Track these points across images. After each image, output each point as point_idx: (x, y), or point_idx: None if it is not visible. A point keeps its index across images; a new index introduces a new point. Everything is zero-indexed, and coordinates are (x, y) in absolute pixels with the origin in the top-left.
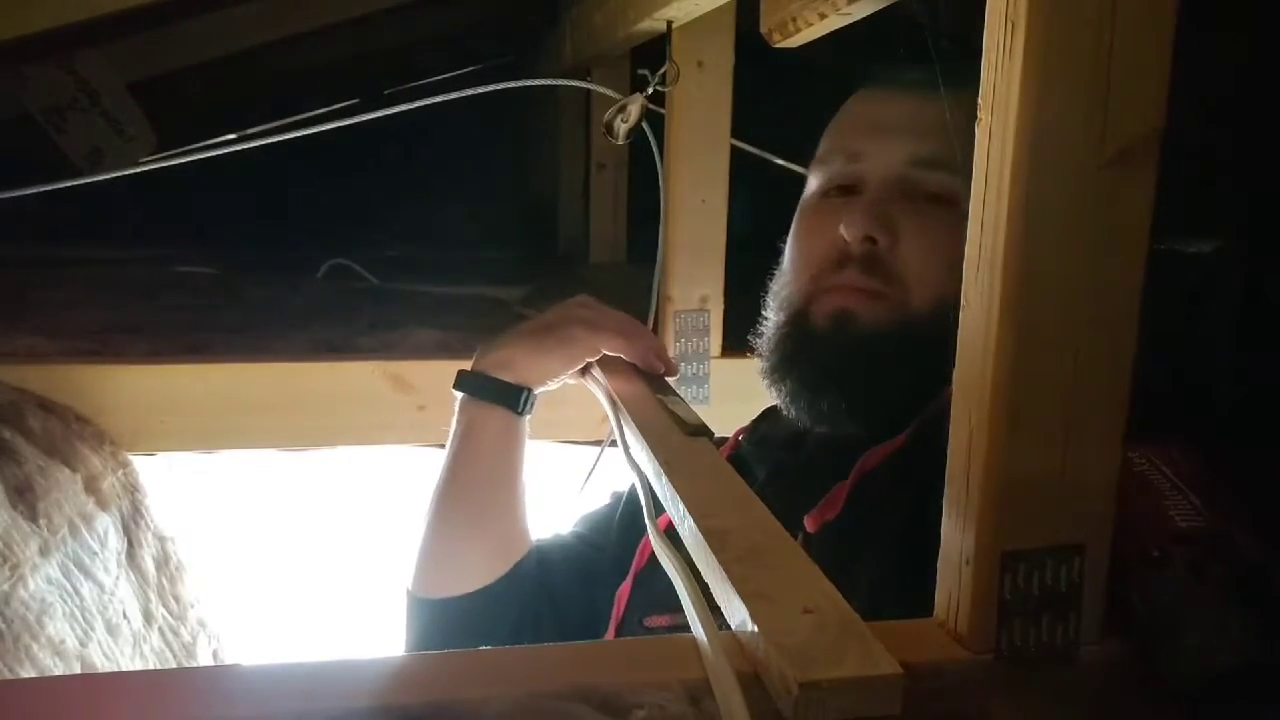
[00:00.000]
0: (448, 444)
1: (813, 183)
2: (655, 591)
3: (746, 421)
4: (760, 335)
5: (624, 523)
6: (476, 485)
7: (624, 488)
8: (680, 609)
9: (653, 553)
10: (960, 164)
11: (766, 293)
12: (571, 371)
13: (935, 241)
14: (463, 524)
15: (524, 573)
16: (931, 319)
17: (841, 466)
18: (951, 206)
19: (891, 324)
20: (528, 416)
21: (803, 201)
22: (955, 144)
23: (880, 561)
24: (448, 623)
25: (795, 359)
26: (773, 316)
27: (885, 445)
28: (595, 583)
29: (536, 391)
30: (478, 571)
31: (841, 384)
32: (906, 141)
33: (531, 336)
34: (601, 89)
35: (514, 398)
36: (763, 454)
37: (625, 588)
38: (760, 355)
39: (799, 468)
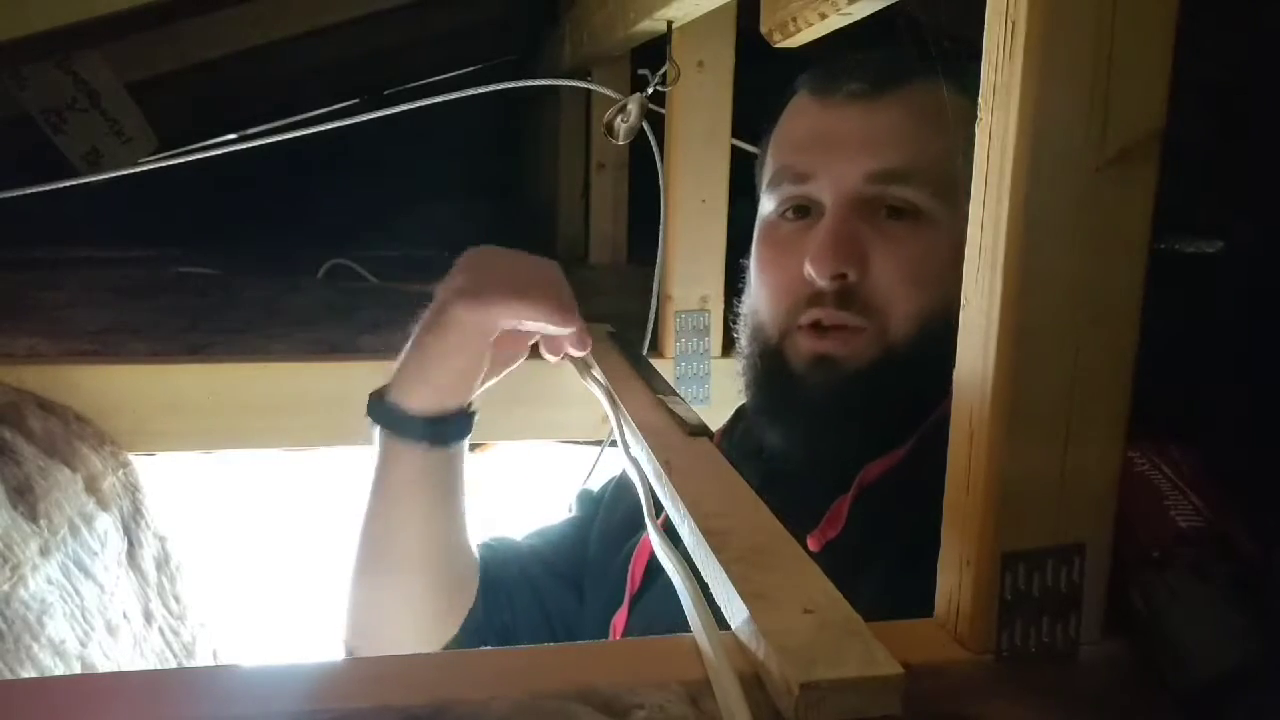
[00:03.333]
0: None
1: (767, 203)
2: (652, 619)
3: None
4: (738, 353)
5: (604, 537)
6: (399, 534)
7: (587, 497)
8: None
9: (645, 576)
10: (919, 173)
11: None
12: (484, 369)
13: (905, 261)
14: (390, 581)
15: (475, 626)
16: (911, 341)
17: (839, 479)
18: (914, 217)
19: (873, 360)
20: (458, 446)
21: (760, 222)
22: (914, 149)
23: (887, 576)
24: None
25: (779, 408)
26: (746, 344)
27: (885, 458)
28: (554, 615)
29: (463, 406)
30: (420, 633)
31: (831, 430)
32: (859, 157)
33: (418, 344)
34: (602, 89)
35: (424, 430)
36: (748, 459)
37: (621, 615)
38: (741, 380)
39: (793, 480)
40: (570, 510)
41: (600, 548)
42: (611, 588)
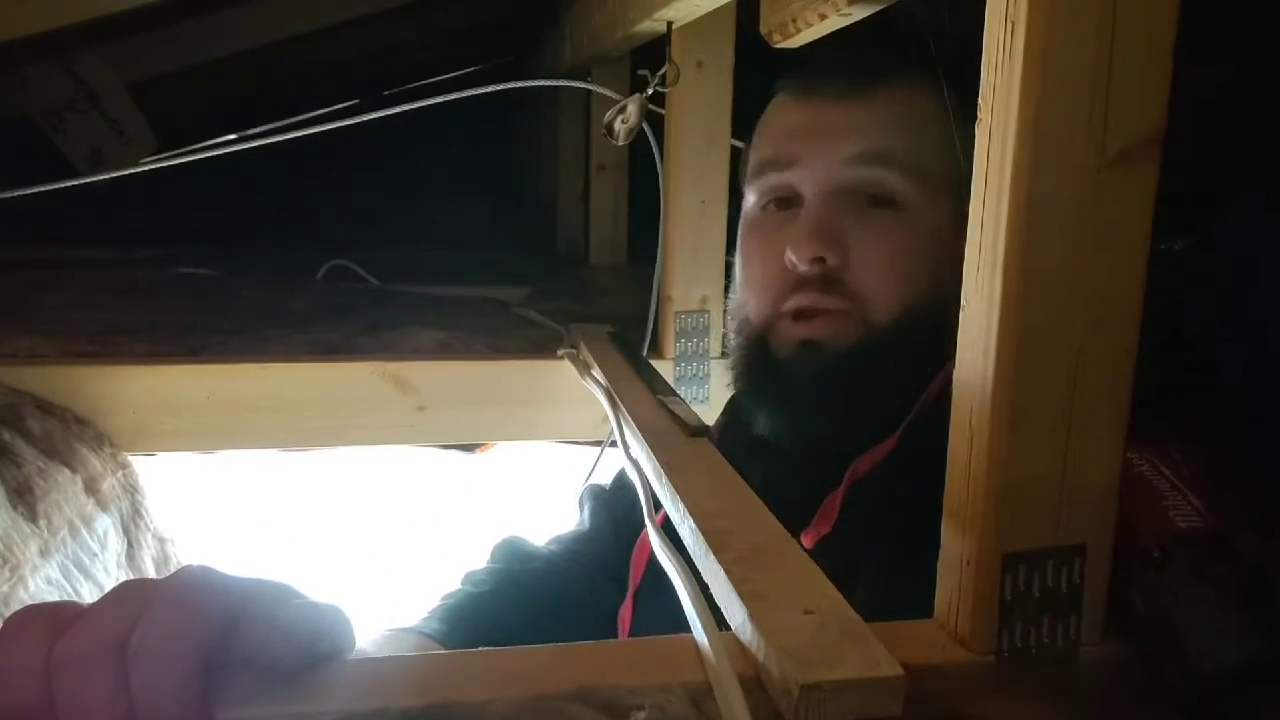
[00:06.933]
0: None
1: (750, 196)
2: (656, 612)
3: None
4: (728, 348)
5: (613, 528)
6: None
7: (599, 492)
8: (682, 630)
9: (648, 567)
10: (899, 161)
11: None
12: None
13: (885, 248)
14: None
15: None
16: (892, 326)
17: (830, 472)
18: (894, 206)
19: (856, 342)
20: None
21: (744, 216)
22: (894, 139)
23: (881, 568)
24: None
25: (766, 394)
26: (734, 338)
27: (874, 450)
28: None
29: None
30: None
31: (818, 414)
32: (839, 142)
33: None
34: (601, 89)
35: None
36: (742, 454)
37: (627, 608)
38: (731, 374)
39: (785, 475)
40: (581, 508)
41: (620, 541)
42: (620, 580)
